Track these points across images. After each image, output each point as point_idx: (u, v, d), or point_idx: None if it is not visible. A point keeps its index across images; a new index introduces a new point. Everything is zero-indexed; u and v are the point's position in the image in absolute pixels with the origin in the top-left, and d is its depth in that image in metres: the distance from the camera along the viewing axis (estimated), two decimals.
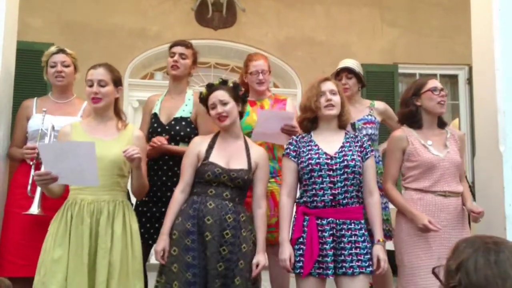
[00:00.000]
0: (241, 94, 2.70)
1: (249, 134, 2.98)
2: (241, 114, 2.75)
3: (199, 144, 2.65)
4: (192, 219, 2.48)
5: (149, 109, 3.15)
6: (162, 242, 2.50)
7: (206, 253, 2.43)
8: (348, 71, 3.32)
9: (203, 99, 2.70)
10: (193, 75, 3.35)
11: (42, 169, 2.42)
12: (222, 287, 2.41)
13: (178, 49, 3.10)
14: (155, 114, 3.07)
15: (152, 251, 3.03)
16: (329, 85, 2.56)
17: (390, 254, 3.11)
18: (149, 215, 2.90)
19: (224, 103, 2.60)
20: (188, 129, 2.99)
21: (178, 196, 2.59)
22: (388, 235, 3.18)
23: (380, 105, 3.41)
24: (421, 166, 2.74)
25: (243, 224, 2.52)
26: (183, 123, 3.00)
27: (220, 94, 2.62)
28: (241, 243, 2.48)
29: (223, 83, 2.69)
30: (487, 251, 1.18)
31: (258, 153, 2.66)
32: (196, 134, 2.99)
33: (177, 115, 3.02)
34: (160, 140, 2.89)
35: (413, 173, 2.77)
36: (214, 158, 2.57)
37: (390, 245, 3.42)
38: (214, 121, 2.66)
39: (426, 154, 2.74)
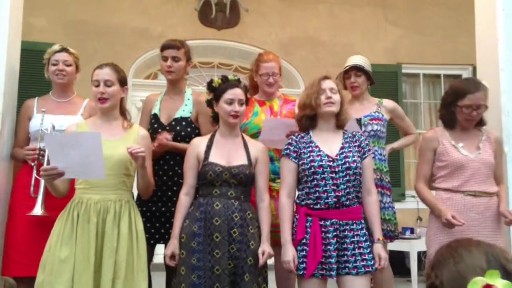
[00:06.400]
0: (247, 97, 2.74)
1: (256, 135, 2.98)
2: None
3: (197, 145, 2.65)
4: (199, 222, 2.49)
5: (148, 108, 3.12)
6: (171, 246, 2.52)
7: (214, 254, 2.43)
8: (357, 69, 3.29)
9: (215, 89, 2.67)
10: (197, 75, 3.33)
11: (45, 163, 2.42)
12: (231, 285, 2.41)
13: (169, 53, 3.03)
14: (155, 115, 3.05)
15: (157, 251, 3.04)
16: (329, 83, 2.56)
17: (391, 255, 3.11)
18: (149, 215, 2.89)
19: (241, 104, 2.63)
20: (189, 129, 2.98)
21: (183, 199, 2.60)
22: (389, 235, 3.18)
23: (388, 103, 3.35)
24: (450, 166, 2.76)
25: (250, 221, 2.53)
26: (184, 123, 2.98)
27: (240, 93, 2.64)
28: (249, 240, 2.48)
29: (239, 81, 2.71)
30: (449, 253, 1.22)
31: (256, 147, 2.67)
32: (197, 133, 2.98)
33: (177, 115, 3.00)
34: (166, 137, 2.88)
35: (443, 173, 2.79)
36: (214, 157, 2.58)
37: (391, 246, 3.42)
38: (224, 115, 2.63)
39: (456, 154, 2.75)
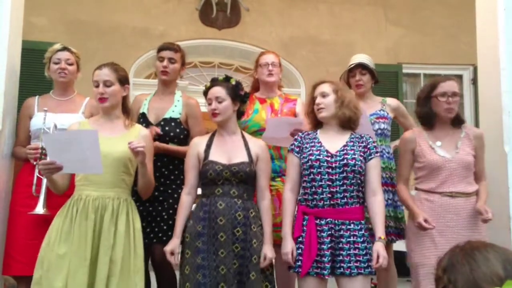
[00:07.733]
0: (241, 93, 2.70)
1: (257, 132, 2.98)
2: (241, 113, 2.76)
3: (197, 145, 2.67)
4: (203, 221, 2.50)
5: (136, 108, 3.12)
6: (171, 244, 2.54)
7: (218, 253, 2.44)
8: (362, 67, 3.29)
9: (205, 93, 2.72)
10: (197, 74, 3.34)
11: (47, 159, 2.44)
12: (238, 284, 2.42)
13: (167, 54, 3.07)
14: (143, 114, 3.06)
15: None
16: (320, 88, 2.58)
17: (398, 255, 3.08)
18: (145, 214, 2.87)
19: (219, 101, 2.62)
20: (178, 130, 3.00)
21: (185, 199, 2.62)
22: (399, 233, 3.17)
23: (392, 101, 3.37)
24: (427, 167, 2.75)
25: (253, 220, 2.54)
26: (173, 123, 3.00)
27: (217, 91, 2.64)
28: (251, 239, 2.49)
29: (226, 79, 2.71)
30: (464, 257, 1.19)
31: (257, 145, 2.68)
32: (186, 135, 3.01)
33: (167, 115, 3.02)
34: (156, 131, 2.89)
35: (421, 174, 2.79)
36: (214, 156, 2.59)
37: (399, 246, 3.40)
38: (208, 115, 2.69)
39: (432, 155, 2.74)
